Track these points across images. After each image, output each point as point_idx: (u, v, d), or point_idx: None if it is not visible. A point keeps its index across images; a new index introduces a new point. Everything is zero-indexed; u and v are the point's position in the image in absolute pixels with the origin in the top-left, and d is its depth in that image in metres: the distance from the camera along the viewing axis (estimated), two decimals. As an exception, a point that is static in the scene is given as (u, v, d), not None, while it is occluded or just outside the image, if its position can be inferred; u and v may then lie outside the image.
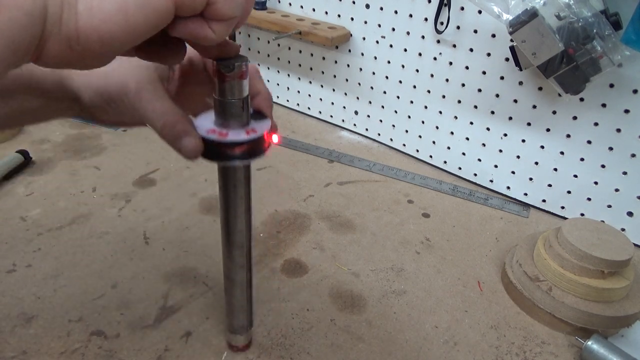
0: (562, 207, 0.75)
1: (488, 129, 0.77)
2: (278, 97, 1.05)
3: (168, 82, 0.39)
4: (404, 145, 0.90)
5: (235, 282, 0.44)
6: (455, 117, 0.80)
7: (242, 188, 0.39)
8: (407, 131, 0.88)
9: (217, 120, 0.36)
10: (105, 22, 0.25)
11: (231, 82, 0.34)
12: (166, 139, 0.36)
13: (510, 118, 0.74)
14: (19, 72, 0.35)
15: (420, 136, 0.86)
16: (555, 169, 0.73)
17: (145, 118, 0.36)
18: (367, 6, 0.82)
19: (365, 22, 0.84)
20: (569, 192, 0.73)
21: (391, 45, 0.82)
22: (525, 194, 0.78)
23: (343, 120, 0.97)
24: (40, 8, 0.24)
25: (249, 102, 0.36)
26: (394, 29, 0.80)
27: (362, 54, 0.87)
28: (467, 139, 0.80)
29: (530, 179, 0.76)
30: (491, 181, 0.81)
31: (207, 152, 0.36)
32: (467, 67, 0.75)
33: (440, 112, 0.81)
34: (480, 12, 0.70)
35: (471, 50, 0.73)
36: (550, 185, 0.74)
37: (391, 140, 0.91)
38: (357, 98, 0.92)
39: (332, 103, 0.97)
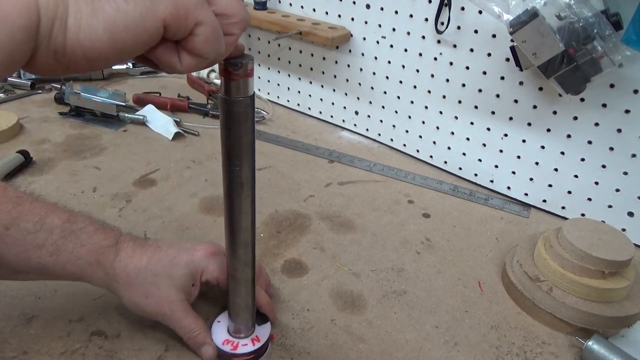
0: (563, 207, 0.75)
1: (488, 129, 0.77)
2: (278, 97, 1.05)
3: (191, 297, 0.48)
4: (405, 145, 0.90)
5: (240, 280, 0.44)
6: (456, 117, 0.80)
7: (248, 187, 0.39)
8: (407, 131, 0.88)
9: (230, 325, 0.47)
10: (92, 40, 0.25)
11: (238, 80, 0.34)
12: (189, 345, 0.47)
13: (511, 118, 0.74)
14: (76, 273, 0.45)
15: (420, 136, 0.86)
16: (556, 169, 0.73)
17: (173, 329, 0.47)
18: (368, 6, 0.82)
19: (366, 22, 0.84)
20: (569, 192, 0.73)
21: (392, 46, 0.82)
22: (526, 194, 0.78)
23: (343, 121, 0.97)
24: (35, 23, 0.24)
25: (254, 111, 0.37)
26: (394, 29, 0.80)
27: (363, 54, 0.87)
28: (468, 139, 0.80)
29: (531, 179, 0.76)
30: (491, 181, 0.81)
31: (220, 355, 0.47)
32: (467, 68, 0.75)
33: (441, 113, 0.81)
34: (480, 12, 0.69)
35: (472, 50, 0.73)
36: (550, 186, 0.74)
37: (391, 140, 0.91)
38: (358, 98, 0.92)
39: (333, 103, 0.97)
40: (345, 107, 0.95)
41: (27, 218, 0.42)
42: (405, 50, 0.81)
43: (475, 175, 0.82)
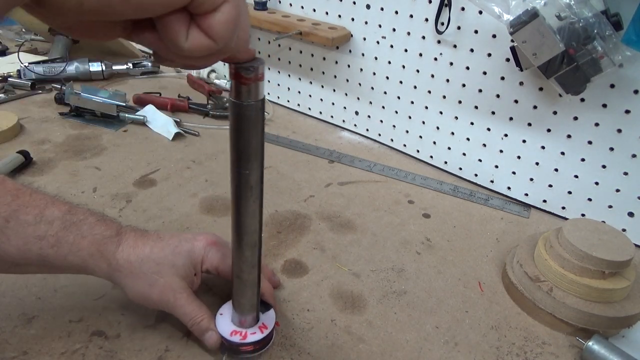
0: (563, 208, 0.75)
1: (489, 129, 0.77)
2: (279, 97, 1.05)
3: (193, 285, 0.49)
4: (405, 145, 0.90)
5: (246, 281, 0.44)
6: (456, 118, 0.80)
7: (256, 190, 0.39)
8: (407, 131, 0.88)
9: (235, 316, 0.47)
10: None
11: (249, 84, 0.34)
12: (193, 332, 0.47)
13: (511, 118, 0.74)
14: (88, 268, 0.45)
15: (420, 136, 0.86)
16: (556, 170, 0.73)
17: (178, 316, 0.47)
18: (368, 6, 0.82)
19: (366, 23, 0.84)
20: (569, 192, 0.73)
21: (392, 46, 0.82)
22: (526, 195, 0.78)
23: (343, 121, 0.97)
24: None
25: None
26: (394, 30, 0.80)
27: (363, 55, 0.87)
28: (468, 139, 0.80)
29: (531, 179, 0.76)
30: (492, 181, 0.81)
31: (229, 347, 0.47)
32: (467, 68, 0.75)
33: (441, 113, 0.81)
34: (480, 12, 0.69)
35: (472, 50, 0.73)
36: (550, 186, 0.74)
37: (392, 140, 0.91)
38: (358, 98, 0.92)
39: (333, 103, 0.97)
40: (345, 108, 0.95)
41: (27, 210, 0.41)
42: (406, 50, 0.81)
43: (476, 175, 0.82)
